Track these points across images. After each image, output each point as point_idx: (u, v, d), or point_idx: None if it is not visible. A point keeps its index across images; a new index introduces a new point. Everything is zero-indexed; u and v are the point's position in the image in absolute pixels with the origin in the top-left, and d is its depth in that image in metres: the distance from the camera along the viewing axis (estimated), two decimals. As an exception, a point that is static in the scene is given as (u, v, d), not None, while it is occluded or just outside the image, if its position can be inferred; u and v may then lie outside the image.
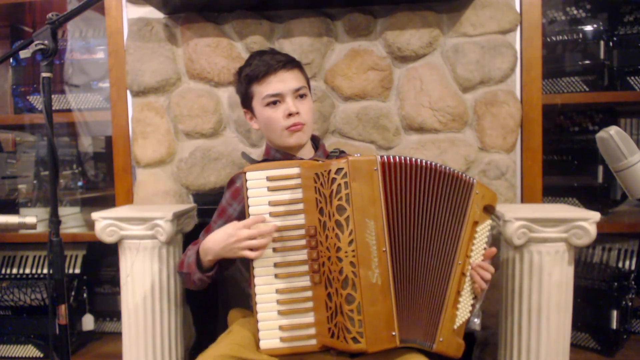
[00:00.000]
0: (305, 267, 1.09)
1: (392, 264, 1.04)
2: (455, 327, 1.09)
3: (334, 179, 1.03)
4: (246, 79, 1.29)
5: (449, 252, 1.10)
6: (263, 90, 1.26)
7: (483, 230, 1.14)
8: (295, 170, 1.10)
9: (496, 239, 1.42)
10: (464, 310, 1.11)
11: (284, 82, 1.25)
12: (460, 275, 1.10)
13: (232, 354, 1.09)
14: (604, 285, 1.75)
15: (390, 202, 1.06)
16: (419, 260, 1.08)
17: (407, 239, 1.07)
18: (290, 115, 1.24)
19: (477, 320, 1.22)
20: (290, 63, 1.28)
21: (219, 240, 1.14)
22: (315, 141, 1.39)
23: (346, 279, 1.02)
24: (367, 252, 1.02)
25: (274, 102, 1.26)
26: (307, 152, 1.33)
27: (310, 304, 1.08)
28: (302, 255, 1.09)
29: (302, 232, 1.09)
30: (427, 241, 1.09)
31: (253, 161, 1.36)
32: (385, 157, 1.06)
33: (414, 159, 1.08)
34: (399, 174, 1.07)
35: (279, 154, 1.32)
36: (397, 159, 1.07)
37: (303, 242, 1.09)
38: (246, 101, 1.33)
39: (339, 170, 1.03)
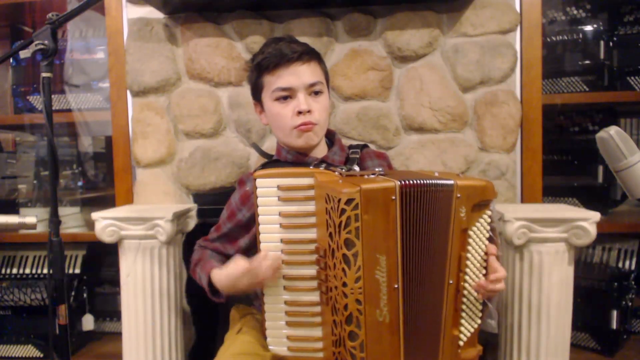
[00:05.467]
0: (314, 283, 1.04)
1: (403, 301, 0.95)
2: (462, 343, 1.04)
3: (343, 210, 0.92)
4: (257, 68, 1.19)
5: (441, 275, 1.00)
6: (273, 82, 1.16)
7: (478, 232, 1.03)
8: (308, 181, 1.02)
9: (496, 239, 1.42)
10: (471, 322, 1.05)
11: (297, 75, 1.14)
12: (455, 293, 1.01)
13: (251, 352, 1.09)
14: (604, 285, 1.74)
15: (406, 233, 0.95)
16: (427, 290, 0.99)
17: (418, 271, 0.97)
18: (300, 113, 1.15)
19: (493, 322, 1.14)
20: (307, 54, 1.17)
21: (230, 276, 1.09)
22: (330, 136, 1.31)
23: (350, 315, 0.95)
24: (376, 290, 0.93)
25: (285, 97, 1.16)
26: (321, 150, 1.26)
27: (318, 319, 1.05)
28: (312, 270, 1.04)
29: (313, 247, 1.03)
30: (432, 268, 0.99)
31: (264, 154, 1.32)
32: (404, 182, 0.93)
33: (433, 181, 0.97)
34: (417, 199, 0.95)
35: (290, 155, 1.24)
36: (418, 183, 0.95)
37: (313, 257, 1.03)
38: (256, 92, 1.24)
39: (349, 200, 0.91)
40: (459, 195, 0.98)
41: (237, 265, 1.06)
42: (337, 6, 1.66)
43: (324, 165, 1.17)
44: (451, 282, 1.00)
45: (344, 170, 1.06)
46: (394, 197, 0.93)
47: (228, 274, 1.10)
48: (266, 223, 1.05)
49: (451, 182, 0.98)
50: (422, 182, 0.96)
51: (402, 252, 0.94)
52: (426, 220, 0.97)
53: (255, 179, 1.04)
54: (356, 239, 0.92)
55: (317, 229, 1.03)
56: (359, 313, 0.94)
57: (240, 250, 1.27)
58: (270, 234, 1.05)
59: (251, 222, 1.21)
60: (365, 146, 1.35)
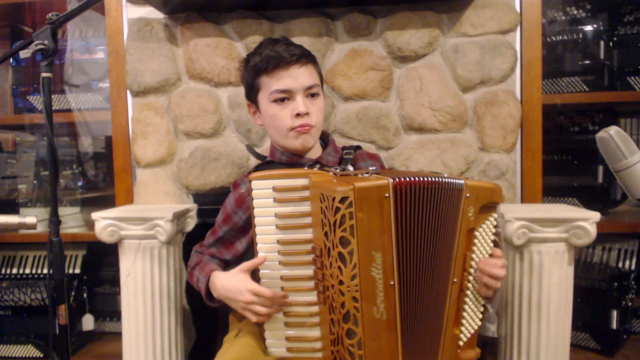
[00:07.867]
0: (312, 283, 1.04)
1: (400, 297, 0.95)
2: (461, 343, 1.04)
3: (337, 208, 0.92)
4: (254, 69, 1.20)
5: (445, 273, 1.00)
6: (271, 84, 1.17)
7: (484, 233, 1.04)
8: (303, 182, 1.02)
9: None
10: (471, 322, 1.05)
11: (295, 78, 1.16)
12: (459, 293, 1.02)
13: (249, 356, 1.09)
14: (604, 285, 1.74)
15: (401, 231, 0.95)
16: (426, 287, 0.99)
17: (417, 268, 0.97)
18: (298, 115, 1.17)
19: (492, 327, 1.13)
20: (304, 57, 1.18)
21: (225, 290, 1.10)
22: (324, 137, 1.31)
23: (347, 313, 0.95)
24: (372, 287, 0.93)
25: (282, 99, 1.17)
26: (315, 151, 1.27)
27: (316, 319, 1.05)
28: (309, 270, 1.04)
29: (309, 247, 1.03)
30: (433, 266, 0.99)
31: (258, 155, 1.32)
32: (397, 179, 0.94)
33: (431, 179, 0.97)
34: (413, 197, 0.95)
35: (284, 156, 1.25)
36: (412, 180, 0.95)
37: (310, 258, 1.03)
38: (251, 93, 1.24)
39: (343, 199, 0.91)
40: (468, 195, 1.00)
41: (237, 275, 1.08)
42: (337, 6, 1.66)
43: (318, 165, 1.17)
44: (455, 280, 1.01)
45: (338, 170, 1.07)
46: (387, 195, 0.93)
47: (225, 277, 1.11)
48: (262, 225, 1.06)
49: (461, 181, 0.99)
50: (416, 179, 0.96)
51: (398, 249, 0.94)
52: (430, 218, 0.97)
53: (250, 181, 1.04)
54: (351, 237, 0.92)
55: (313, 229, 1.03)
56: (356, 311, 0.94)
57: (238, 254, 1.27)
58: (267, 235, 1.06)
59: (247, 224, 1.21)
60: (358, 147, 1.36)
